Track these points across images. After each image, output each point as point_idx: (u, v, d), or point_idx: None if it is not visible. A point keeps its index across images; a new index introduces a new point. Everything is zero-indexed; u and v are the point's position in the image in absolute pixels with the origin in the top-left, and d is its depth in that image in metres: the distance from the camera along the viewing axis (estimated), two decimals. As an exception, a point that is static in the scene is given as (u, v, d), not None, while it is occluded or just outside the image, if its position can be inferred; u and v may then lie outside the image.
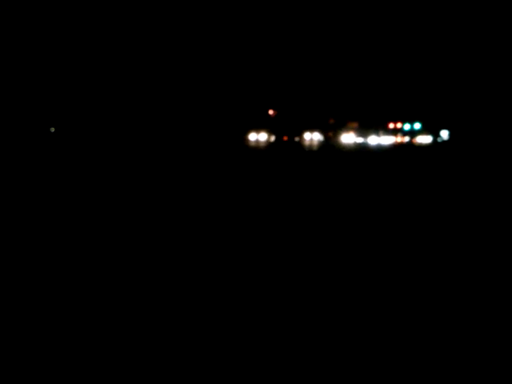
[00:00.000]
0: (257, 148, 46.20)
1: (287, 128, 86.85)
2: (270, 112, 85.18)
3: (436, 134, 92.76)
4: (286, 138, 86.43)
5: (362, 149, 50.28)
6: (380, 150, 45.86)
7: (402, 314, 3.83)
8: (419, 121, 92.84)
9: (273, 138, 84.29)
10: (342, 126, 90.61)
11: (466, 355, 3.19)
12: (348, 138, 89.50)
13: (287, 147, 51.01)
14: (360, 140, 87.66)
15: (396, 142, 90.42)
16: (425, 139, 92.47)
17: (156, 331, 3.50)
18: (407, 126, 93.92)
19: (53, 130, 67.68)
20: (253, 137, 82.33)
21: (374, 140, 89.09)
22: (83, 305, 4.00)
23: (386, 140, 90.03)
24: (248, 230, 7.01)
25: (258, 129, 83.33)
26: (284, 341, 3.37)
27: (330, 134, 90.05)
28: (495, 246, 5.86)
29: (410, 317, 3.79)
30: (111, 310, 3.91)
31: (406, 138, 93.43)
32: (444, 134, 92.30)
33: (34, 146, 39.40)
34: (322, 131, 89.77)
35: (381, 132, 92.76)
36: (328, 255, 5.45)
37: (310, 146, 58.66)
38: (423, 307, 3.94)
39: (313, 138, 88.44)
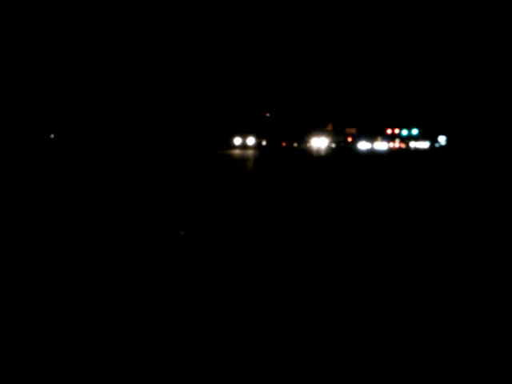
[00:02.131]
0: (254, 153, 45.45)
1: (286, 133, 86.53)
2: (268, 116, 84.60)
3: (433, 140, 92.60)
4: (284, 144, 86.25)
5: (360, 154, 49.59)
6: (377, 156, 45.31)
7: (399, 316, 3.92)
8: (417, 126, 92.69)
9: (271, 143, 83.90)
10: (340, 132, 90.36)
11: (466, 354, 3.21)
12: (346, 143, 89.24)
13: (285, 152, 50.17)
14: (358, 145, 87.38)
15: (394, 147, 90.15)
16: (422, 144, 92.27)
17: (156, 330, 3.51)
18: (405, 132, 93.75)
19: (52, 136, 67.42)
20: (251, 141, 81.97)
21: (371, 145, 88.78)
22: (82, 304, 4.02)
23: (384, 145, 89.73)
24: (241, 236, 6.91)
25: (256, 134, 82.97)
26: (284, 340, 3.40)
27: (328, 139, 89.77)
28: (492, 252, 5.89)
29: (407, 317, 3.87)
30: (110, 309, 3.93)
31: (404, 144, 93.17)
32: (441, 140, 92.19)
33: (33, 152, 38.76)
34: (321, 137, 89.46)
35: (378, 137, 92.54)
36: (325, 260, 5.51)
37: (309, 151, 57.82)
38: (418, 312, 4.02)
39: (311, 143, 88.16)
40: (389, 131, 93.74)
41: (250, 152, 47.31)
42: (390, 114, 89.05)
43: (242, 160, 27.81)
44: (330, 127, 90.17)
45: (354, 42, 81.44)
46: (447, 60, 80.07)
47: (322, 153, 48.72)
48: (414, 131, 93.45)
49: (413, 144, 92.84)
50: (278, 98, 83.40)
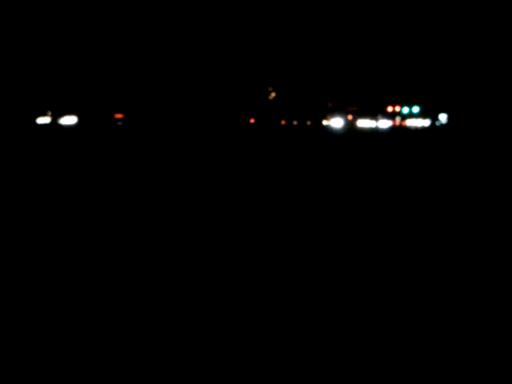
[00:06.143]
0: (256, 132, 45.68)
1: (285, 112, 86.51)
2: (270, 92, 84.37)
3: (434, 118, 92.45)
4: (283, 122, 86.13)
5: (361, 132, 49.95)
6: (378, 134, 45.56)
7: (402, 312, 3.80)
8: (418, 104, 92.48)
9: (271, 122, 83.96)
10: (341, 110, 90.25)
11: (466, 355, 3.17)
12: (346, 121, 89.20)
13: (285, 131, 50.57)
14: (359, 123, 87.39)
15: (394, 125, 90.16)
16: (423, 123, 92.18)
17: (156, 332, 3.46)
18: (406, 110, 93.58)
19: (50, 118, 67.41)
20: (252, 122, 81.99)
21: (372, 123, 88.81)
22: (83, 305, 3.96)
23: (385, 123, 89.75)
24: (250, 220, 6.93)
25: (256, 114, 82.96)
26: (284, 341, 3.33)
27: (329, 117, 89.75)
28: (495, 235, 5.77)
29: (409, 315, 3.75)
30: (111, 310, 3.87)
31: (405, 122, 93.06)
32: (442, 118, 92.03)
33: (32, 140, 39.16)
34: (322, 115, 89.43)
35: (379, 115, 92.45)
36: (327, 240, 5.45)
37: (309, 130, 58.20)
38: (422, 304, 3.93)
39: (312, 122, 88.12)
40: (389, 109, 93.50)
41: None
42: (390, 91, 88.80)
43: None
44: (330, 105, 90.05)
45: (353, 19, 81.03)
46: (448, 37, 79.68)
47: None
48: (415, 109, 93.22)
49: (411, 122, 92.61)
50: (277, 74, 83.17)
